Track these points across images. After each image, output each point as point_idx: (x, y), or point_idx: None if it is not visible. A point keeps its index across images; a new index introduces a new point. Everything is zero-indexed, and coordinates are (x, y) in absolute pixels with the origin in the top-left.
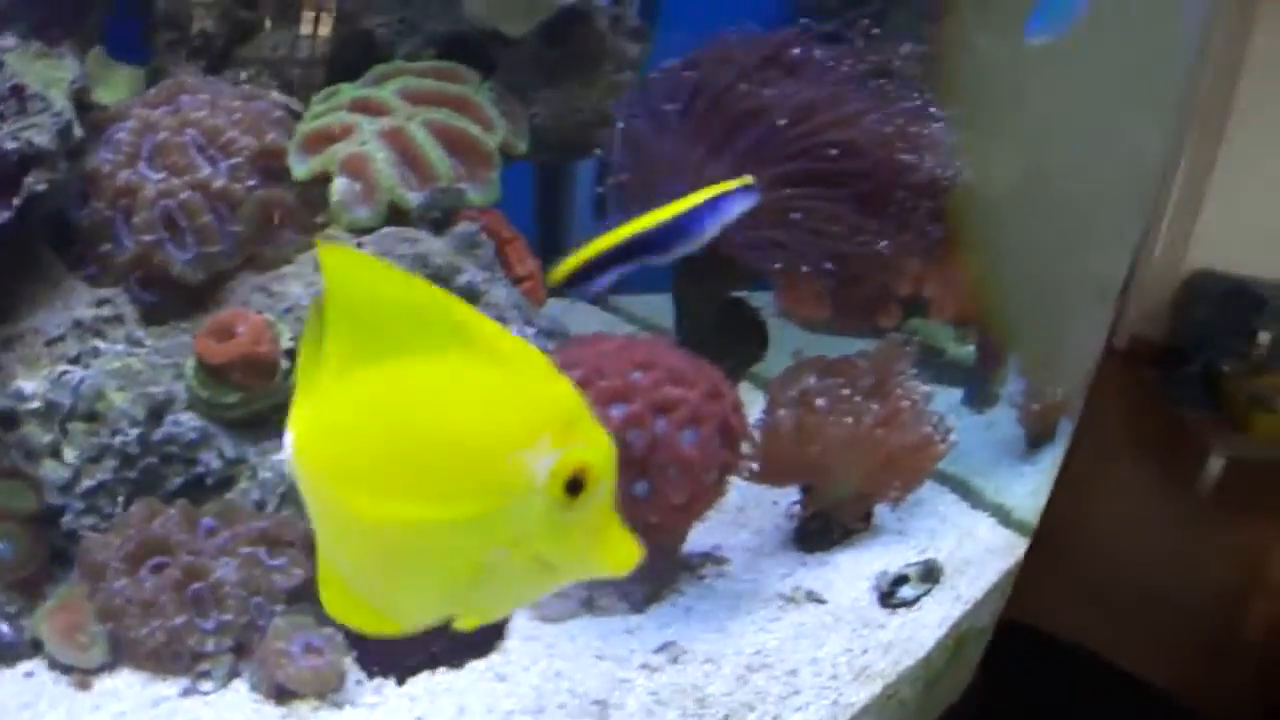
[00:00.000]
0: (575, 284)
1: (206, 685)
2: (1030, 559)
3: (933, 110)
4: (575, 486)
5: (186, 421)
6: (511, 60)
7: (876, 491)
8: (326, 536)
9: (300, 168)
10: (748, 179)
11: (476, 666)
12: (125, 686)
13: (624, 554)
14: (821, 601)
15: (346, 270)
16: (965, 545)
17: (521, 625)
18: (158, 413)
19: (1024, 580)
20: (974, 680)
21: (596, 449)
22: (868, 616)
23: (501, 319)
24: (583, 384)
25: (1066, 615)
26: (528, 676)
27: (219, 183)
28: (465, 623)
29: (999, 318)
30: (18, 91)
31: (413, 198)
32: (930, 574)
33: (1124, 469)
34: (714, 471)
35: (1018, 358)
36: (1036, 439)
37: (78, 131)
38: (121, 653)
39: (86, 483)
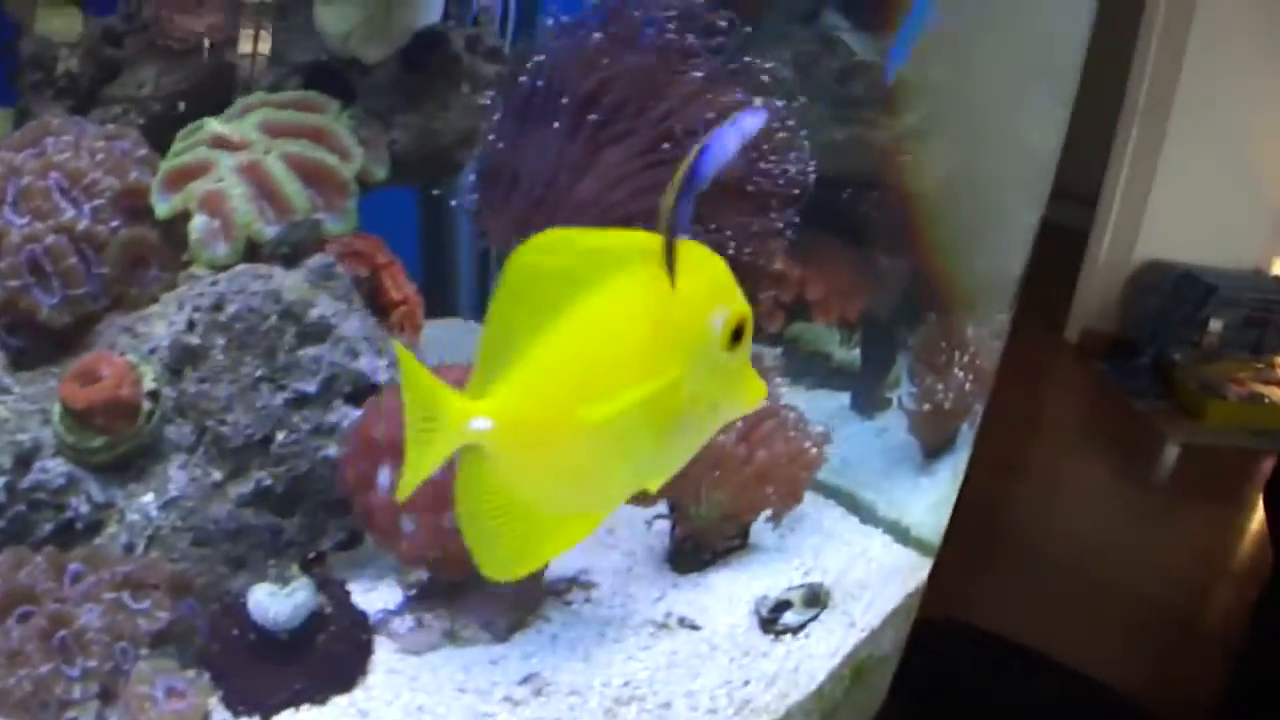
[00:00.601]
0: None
1: None
2: (983, 554)
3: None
4: (738, 334)
5: (54, 468)
6: (372, 86)
7: (747, 509)
8: (531, 486)
9: (162, 206)
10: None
11: (339, 702)
12: None
13: (758, 388)
14: (696, 628)
15: (522, 259)
16: (857, 566)
17: (384, 659)
18: (25, 460)
19: (976, 575)
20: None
21: (743, 305)
22: (748, 644)
23: (353, 351)
24: (388, 442)
25: (1021, 610)
26: (389, 712)
27: (83, 225)
28: (653, 485)
29: (890, 314)
30: None
31: (268, 231)
32: (815, 598)
33: (1080, 461)
34: None
35: (909, 359)
36: (933, 448)
37: None
38: None
39: None
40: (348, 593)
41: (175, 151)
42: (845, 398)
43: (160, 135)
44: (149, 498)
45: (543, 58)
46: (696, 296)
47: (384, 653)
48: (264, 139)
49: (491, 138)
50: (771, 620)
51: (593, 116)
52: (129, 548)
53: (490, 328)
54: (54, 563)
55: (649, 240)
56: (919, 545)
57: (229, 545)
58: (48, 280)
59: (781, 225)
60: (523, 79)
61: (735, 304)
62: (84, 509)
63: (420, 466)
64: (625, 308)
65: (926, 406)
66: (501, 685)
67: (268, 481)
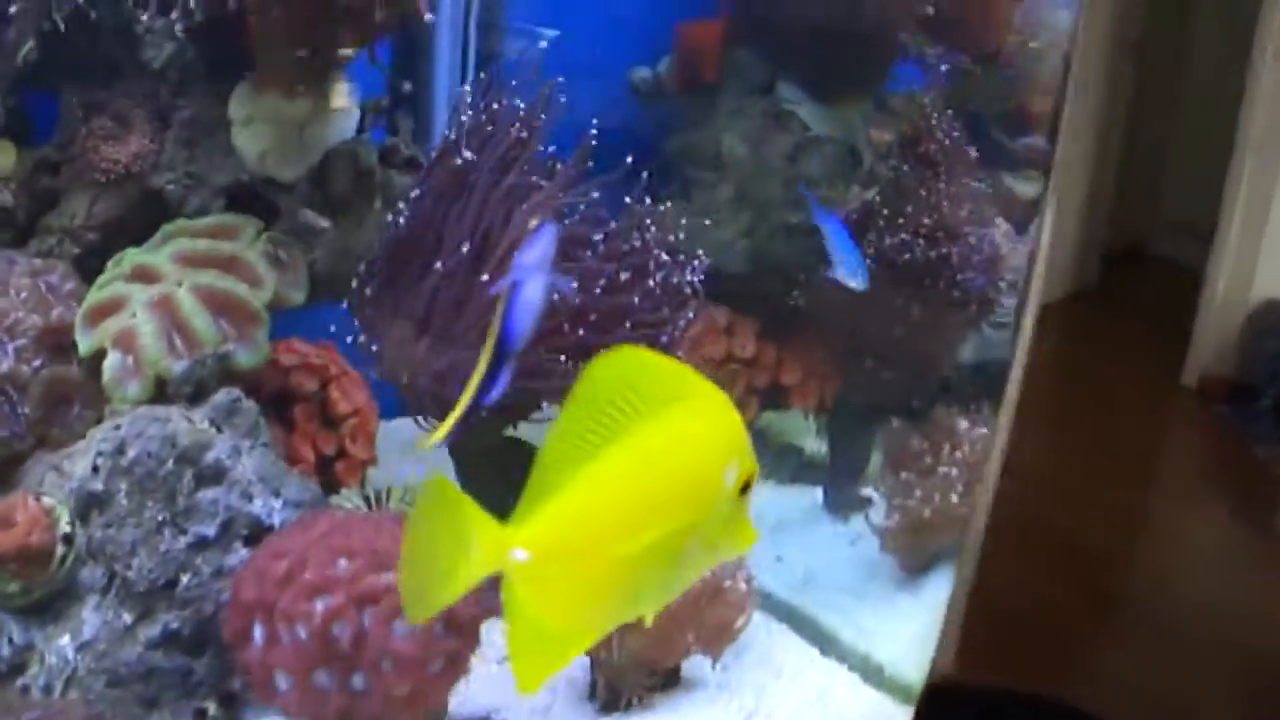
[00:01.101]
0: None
1: None
2: (1100, 609)
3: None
4: (746, 487)
5: None
6: (291, 205)
7: (664, 657)
8: (547, 605)
9: (84, 343)
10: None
11: None
12: None
13: (750, 534)
14: None
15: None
16: (813, 713)
17: None
18: None
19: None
20: None
21: (753, 461)
22: None
23: (247, 494)
24: (286, 578)
25: (1142, 663)
26: None
27: (5, 366)
28: (649, 615)
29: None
30: None
31: (176, 368)
32: None
33: (1200, 510)
34: (438, 661)
35: (880, 458)
36: (913, 566)
37: None
38: None
39: None
40: None
41: (98, 285)
42: (819, 493)
43: (95, 264)
44: (65, 640)
45: (416, 191)
46: (719, 446)
47: None
48: (178, 269)
49: (364, 271)
50: None
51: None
52: (47, 689)
53: (557, 431)
54: None
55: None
56: (893, 689)
57: (141, 686)
58: None
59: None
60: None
61: (748, 459)
62: (4, 651)
63: (451, 592)
64: (669, 452)
65: (896, 519)
66: None
67: (175, 624)
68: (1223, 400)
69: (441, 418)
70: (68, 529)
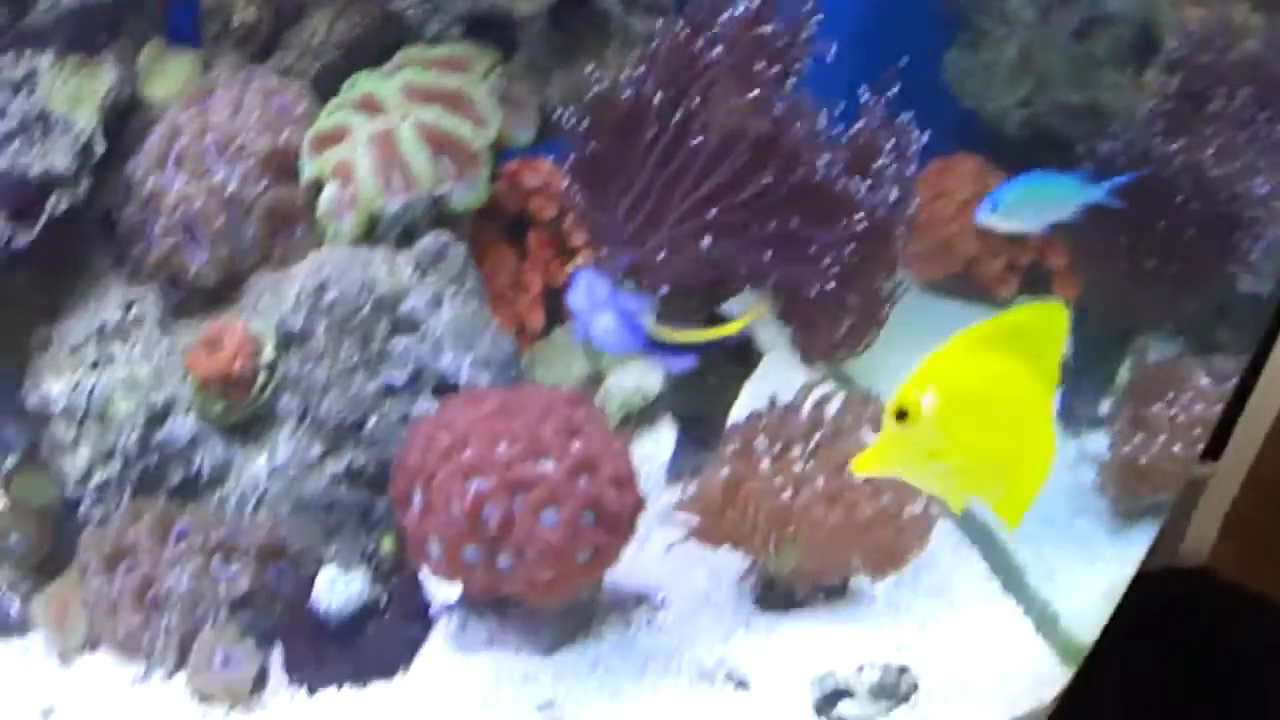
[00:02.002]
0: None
1: (155, 676)
2: None
3: None
4: None
5: (182, 425)
6: (530, 39)
7: (823, 572)
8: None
9: (307, 169)
10: None
11: (377, 689)
12: (97, 667)
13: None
14: (744, 686)
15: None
16: (969, 656)
17: (435, 651)
18: (159, 417)
19: None
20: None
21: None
22: None
23: (438, 348)
24: (447, 453)
25: None
26: (412, 712)
27: (232, 188)
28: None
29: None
30: (43, 118)
31: (390, 207)
32: (890, 690)
33: None
34: (584, 552)
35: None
36: (1126, 512)
37: (99, 148)
38: (99, 638)
39: (97, 478)
40: (411, 586)
41: (327, 110)
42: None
43: (333, 83)
44: (261, 461)
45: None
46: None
47: (437, 643)
48: (404, 102)
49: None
50: (826, 705)
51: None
52: (239, 506)
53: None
54: (163, 521)
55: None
56: (1064, 647)
57: (324, 515)
58: (199, 240)
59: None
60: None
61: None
62: (207, 465)
63: None
64: None
65: (1121, 455)
66: (522, 705)
67: (360, 462)
68: None
69: None
70: (271, 357)
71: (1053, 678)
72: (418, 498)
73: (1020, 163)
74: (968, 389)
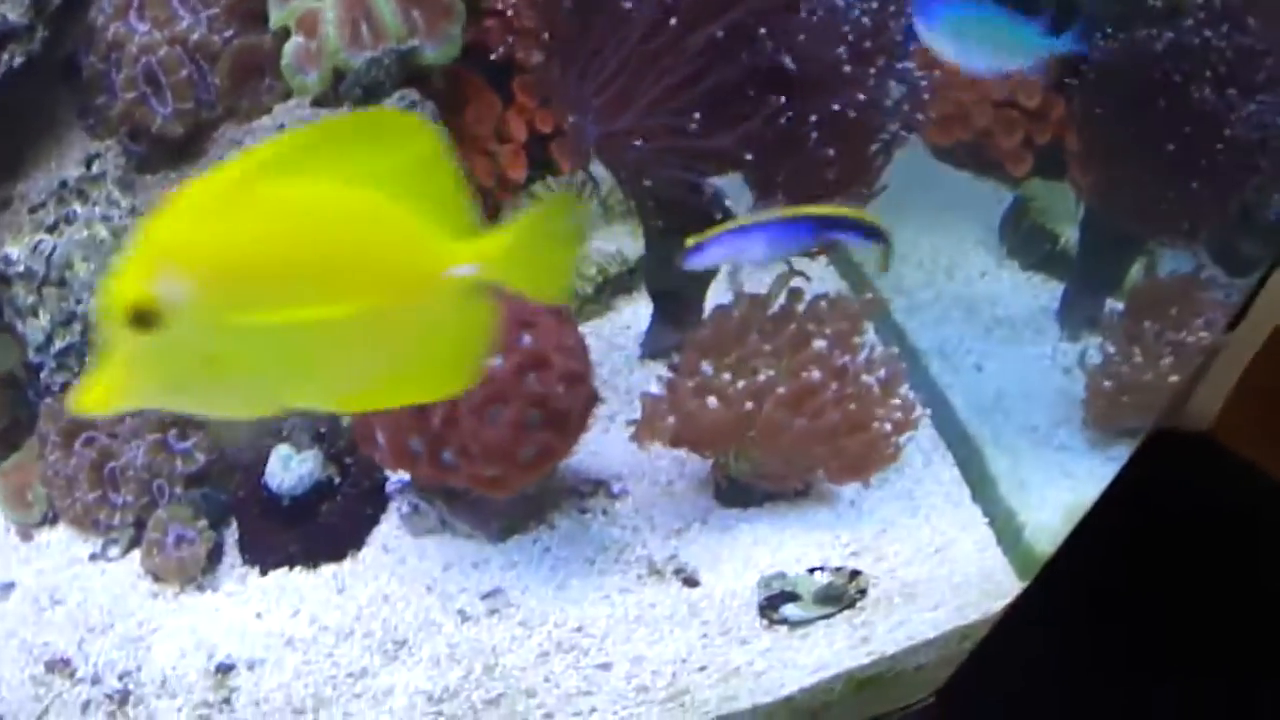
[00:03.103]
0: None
1: (112, 552)
2: None
3: None
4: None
5: None
6: None
7: (785, 476)
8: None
9: (274, 16)
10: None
11: (326, 571)
12: (57, 542)
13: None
14: (693, 584)
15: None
16: (924, 564)
17: (386, 532)
18: None
19: None
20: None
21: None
22: (733, 623)
23: None
24: None
25: None
26: (361, 593)
27: (197, 35)
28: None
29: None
30: None
31: (355, 61)
32: (836, 595)
33: None
34: (529, 450)
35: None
36: (1104, 428)
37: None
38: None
39: (58, 344)
40: (367, 465)
41: None
42: (1059, 293)
43: None
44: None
45: None
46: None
47: (388, 525)
48: None
49: None
50: (770, 606)
51: None
52: None
53: None
54: None
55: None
56: (1021, 558)
57: None
58: (163, 92)
59: None
60: None
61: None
62: None
63: None
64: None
65: (1111, 372)
66: (467, 594)
67: None
68: None
69: None
70: None
71: (1004, 591)
72: None
73: None
74: (252, 251)
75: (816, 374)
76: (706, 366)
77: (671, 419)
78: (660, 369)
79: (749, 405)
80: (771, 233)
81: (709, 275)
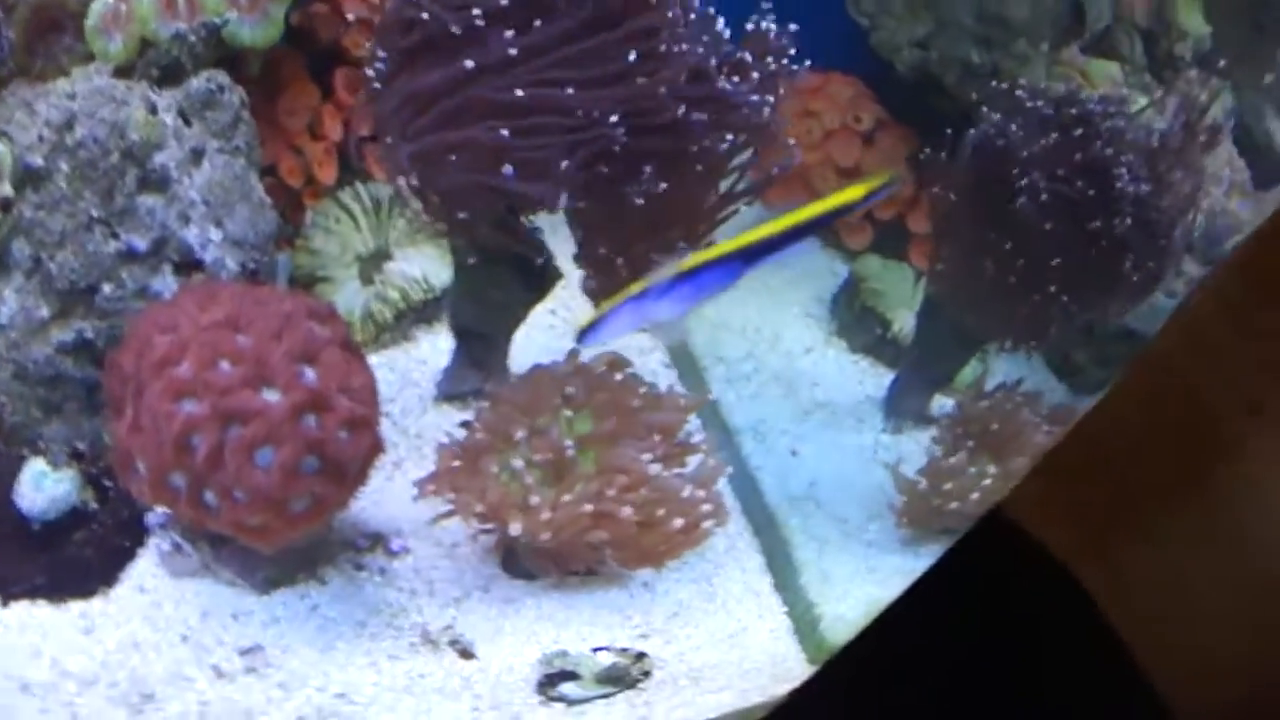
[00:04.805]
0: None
1: None
2: None
3: None
4: None
5: None
6: None
7: (570, 561)
8: None
9: None
10: None
11: (73, 608)
12: None
13: None
14: (469, 656)
15: None
16: (714, 650)
17: (144, 570)
18: None
19: None
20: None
21: None
22: (507, 698)
23: (185, 216)
24: (161, 364)
25: None
26: (111, 636)
27: None
28: None
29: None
30: None
31: (164, 31)
32: (618, 676)
33: None
34: (301, 501)
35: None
36: (918, 530)
37: None
38: None
39: None
40: (123, 492)
41: None
42: (886, 381)
43: None
44: None
45: None
46: None
47: (146, 563)
48: None
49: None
50: (548, 684)
51: None
52: None
53: None
54: None
55: None
56: (815, 648)
57: (45, 390)
58: None
59: None
60: None
61: None
62: None
63: None
64: None
65: (933, 469)
66: (225, 647)
67: (89, 333)
68: None
69: None
70: (8, 193)
71: (794, 675)
72: (129, 409)
73: (903, 106)
74: None
75: (622, 478)
76: (512, 429)
77: (461, 479)
78: (456, 414)
79: (531, 482)
80: (676, 289)
81: (516, 320)
